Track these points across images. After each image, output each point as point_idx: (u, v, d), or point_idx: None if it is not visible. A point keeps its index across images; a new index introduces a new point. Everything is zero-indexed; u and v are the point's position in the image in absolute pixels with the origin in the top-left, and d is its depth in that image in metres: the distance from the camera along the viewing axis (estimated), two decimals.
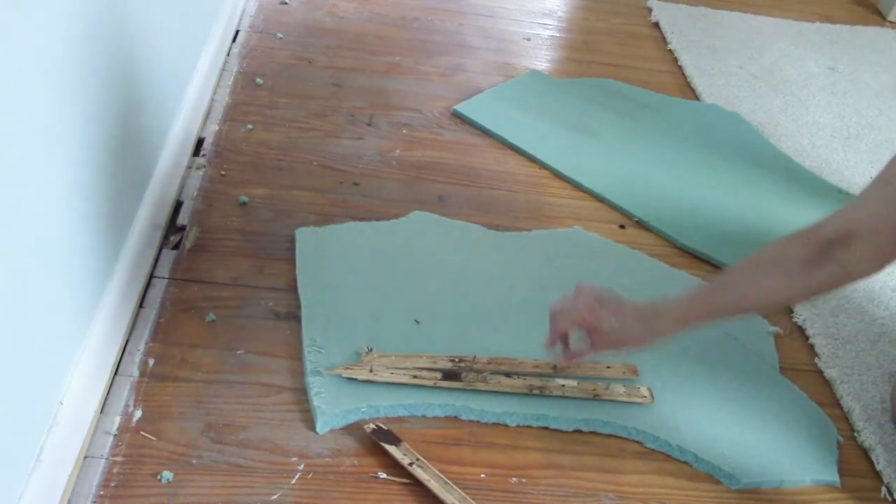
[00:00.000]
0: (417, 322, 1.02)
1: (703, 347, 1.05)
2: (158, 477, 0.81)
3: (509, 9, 1.90)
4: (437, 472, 0.84)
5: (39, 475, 0.72)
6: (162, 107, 1.12)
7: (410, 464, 0.85)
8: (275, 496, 0.81)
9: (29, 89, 0.67)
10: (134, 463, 0.82)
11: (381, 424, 0.89)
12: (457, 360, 0.96)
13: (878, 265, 0.76)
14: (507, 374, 0.96)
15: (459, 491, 0.83)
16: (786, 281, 0.79)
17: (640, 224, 1.28)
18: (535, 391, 0.94)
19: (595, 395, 0.95)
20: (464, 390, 0.94)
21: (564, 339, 0.91)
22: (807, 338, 1.12)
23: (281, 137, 1.32)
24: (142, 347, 0.94)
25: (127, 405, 0.87)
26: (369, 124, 1.40)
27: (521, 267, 1.14)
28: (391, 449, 0.86)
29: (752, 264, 0.82)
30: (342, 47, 1.61)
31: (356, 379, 0.92)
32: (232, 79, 1.44)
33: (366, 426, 0.88)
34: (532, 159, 1.38)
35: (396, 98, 1.48)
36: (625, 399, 0.96)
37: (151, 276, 1.03)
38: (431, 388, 0.93)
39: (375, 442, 0.87)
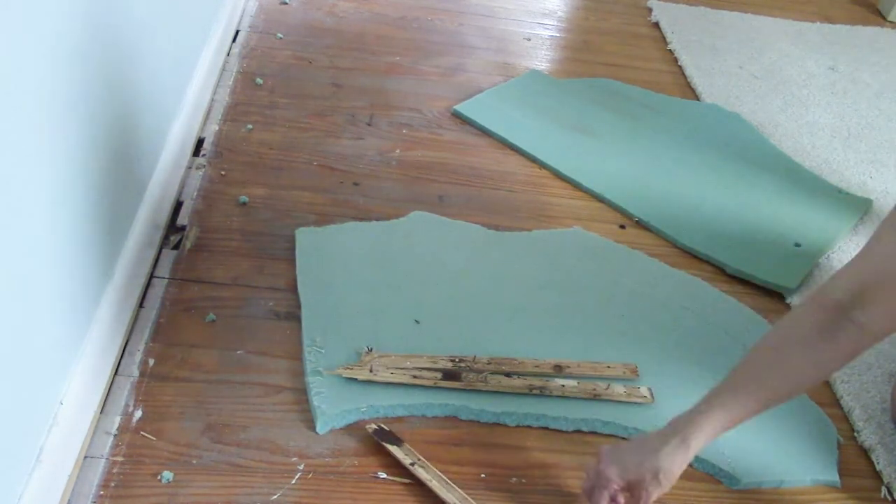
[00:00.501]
0: (417, 322, 1.02)
1: (703, 348, 1.05)
2: (158, 477, 0.81)
3: (509, 9, 1.90)
4: (437, 472, 0.84)
5: (39, 475, 0.72)
6: (162, 107, 1.12)
7: (412, 464, 0.84)
8: (275, 496, 0.81)
9: (30, 90, 0.67)
10: (134, 463, 0.82)
11: (382, 425, 0.89)
12: (457, 360, 0.96)
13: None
14: (507, 374, 0.96)
15: (460, 491, 0.83)
16: (809, 358, 0.73)
17: (640, 224, 1.28)
18: (535, 391, 0.94)
19: (595, 395, 0.95)
20: (464, 390, 0.94)
21: None
22: None
23: (281, 137, 1.32)
24: (142, 347, 0.94)
25: (127, 405, 0.87)
26: (369, 124, 1.40)
27: (521, 267, 1.14)
28: (392, 449, 0.86)
29: (768, 351, 0.75)
30: (342, 47, 1.61)
31: (356, 379, 0.92)
32: (232, 79, 1.44)
33: (367, 426, 0.88)
34: (532, 159, 1.38)
35: (396, 98, 1.48)
36: (625, 399, 0.96)
37: (151, 276, 1.03)
38: (431, 388, 0.93)
39: (376, 442, 0.87)
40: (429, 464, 0.85)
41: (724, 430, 0.77)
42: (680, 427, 0.77)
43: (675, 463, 0.75)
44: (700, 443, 0.76)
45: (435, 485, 0.83)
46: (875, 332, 0.71)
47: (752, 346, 0.78)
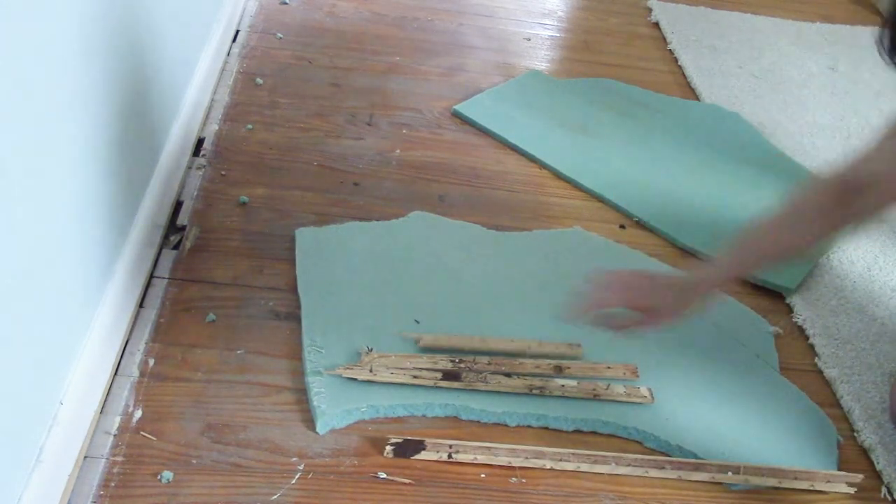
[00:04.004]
0: (417, 322, 1.02)
1: (704, 348, 1.05)
2: (158, 477, 0.81)
3: (509, 9, 1.90)
4: (474, 445, 0.88)
5: (39, 475, 0.72)
6: (162, 107, 1.12)
7: (449, 456, 0.86)
8: (275, 496, 0.81)
9: (31, 90, 0.67)
10: (134, 463, 0.82)
11: (394, 438, 0.87)
12: (457, 360, 0.96)
13: (887, 211, 0.83)
14: (507, 374, 0.96)
15: (505, 447, 0.88)
16: (804, 227, 0.86)
17: (640, 224, 1.28)
18: (535, 391, 0.94)
19: (595, 395, 0.95)
20: (464, 390, 0.94)
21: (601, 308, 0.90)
22: (807, 338, 1.12)
23: (281, 137, 1.32)
24: (142, 347, 0.94)
25: (127, 405, 0.87)
26: (369, 124, 1.40)
27: (521, 267, 1.14)
28: (422, 456, 0.86)
29: (775, 216, 0.88)
30: (342, 47, 1.61)
31: (356, 379, 0.92)
32: (232, 79, 1.44)
33: (385, 449, 0.86)
34: (532, 159, 1.38)
35: (396, 98, 1.48)
36: (625, 399, 0.96)
37: (151, 276, 1.03)
38: (431, 388, 0.93)
39: (381, 444, 0.87)
40: (461, 441, 0.88)
41: (731, 276, 0.91)
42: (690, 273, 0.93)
43: (674, 290, 0.89)
44: (706, 283, 0.89)
45: (481, 458, 0.86)
46: (864, 217, 0.83)
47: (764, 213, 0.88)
